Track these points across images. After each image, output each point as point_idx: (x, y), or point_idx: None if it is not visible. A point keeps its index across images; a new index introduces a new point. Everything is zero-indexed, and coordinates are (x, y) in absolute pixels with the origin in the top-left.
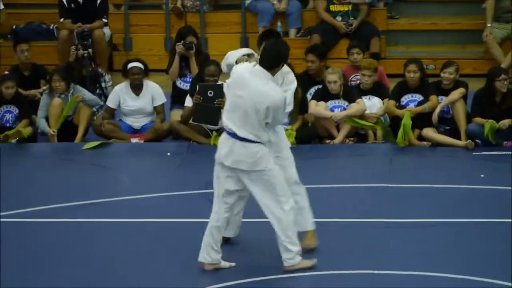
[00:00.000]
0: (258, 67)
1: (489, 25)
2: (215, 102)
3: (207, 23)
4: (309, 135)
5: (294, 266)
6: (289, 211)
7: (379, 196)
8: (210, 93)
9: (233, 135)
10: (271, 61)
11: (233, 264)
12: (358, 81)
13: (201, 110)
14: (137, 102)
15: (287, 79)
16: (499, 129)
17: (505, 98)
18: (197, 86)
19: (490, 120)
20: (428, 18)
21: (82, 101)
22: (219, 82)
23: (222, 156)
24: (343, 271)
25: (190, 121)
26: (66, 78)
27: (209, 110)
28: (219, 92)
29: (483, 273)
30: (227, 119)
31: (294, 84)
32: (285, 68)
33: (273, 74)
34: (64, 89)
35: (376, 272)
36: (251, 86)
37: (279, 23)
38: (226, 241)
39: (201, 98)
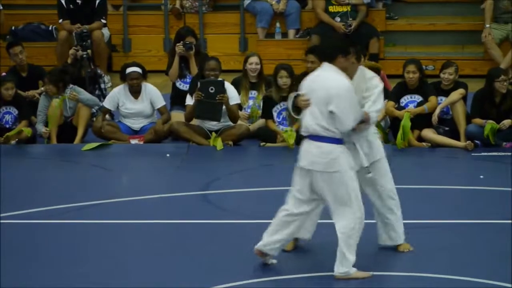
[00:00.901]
0: (323, 63)
1: (488, 25)
2: (216, 98)
3: (206, 23)
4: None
5: (347, 276)
6: (356, 220)
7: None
8: (212, 89)
9: (308, 136)
10: (327, 53)
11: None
12: None
13: (203, 107)
14: (136, 105)
15: (371, 84)
16: (499, 129)
17: (504, 99)
18: (198, 83)
19: (491, 121)
20: (427, 18)
21: (78, 100)
22: (220, 79)
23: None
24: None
25: (194, 119)
26: (56, 80)
27: (211, 106)
28: (220, 88)
29: (482, 274)
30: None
31: (378, 88)
32: (369, 73)
33: (343, 69)
34: (55, 92)
35: (376, 273)
36: (320, 77)
37: (277, 24)
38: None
39: (203, 95)
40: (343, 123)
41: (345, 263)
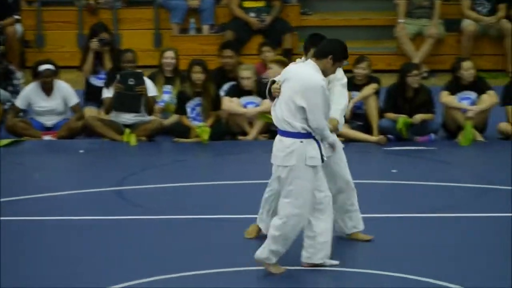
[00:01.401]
0: (308, 59)
1: (401, 20)
2: (136, 90)
3: (120, 19)
4: (222, 132)
5: (266, 263)
6: (292, 216)
7: None
8: (131, 81)
9: (277, 129)
10: (319, 52)
11: None
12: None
13: (122, 98)
14: (48, 103)
15: (335, 76)
16: (412, 124)
17: (417, 94)
18: (118, 75)
19: (403, 116)
20: (341, 14)
21: None
22: (139, 70)
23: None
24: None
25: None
26: None
27: (130, 97)
28: (140, 80)
29: (405, 267)
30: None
31: (341, 81)
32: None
33: (325, 69)
34: None
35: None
36: (293, 71)
37: (192, 20)
38: None
39: (122, 86)
40: (314, 120)
41: (264, 252)
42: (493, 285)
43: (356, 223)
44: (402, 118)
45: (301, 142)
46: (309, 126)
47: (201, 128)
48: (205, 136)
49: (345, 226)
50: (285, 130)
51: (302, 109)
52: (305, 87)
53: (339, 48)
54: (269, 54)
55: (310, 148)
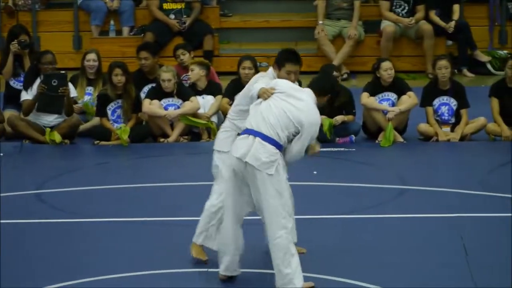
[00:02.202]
0: (307, 89)
1: (320, 22)
2: (59, 91)
3: (39, 21)
4: (143, 134)
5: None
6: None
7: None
8: (54, 82)
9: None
10: (318, 88)
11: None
12: (188, 81)
13: (45, 99)
14: None
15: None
16: (333, 125)
17: (337, 95)
18: (41, 76)
19: (326, 117)
20: (261, 15)
21: None
22: (62, 72)
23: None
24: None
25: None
26: None
27: (53, 99)
28: (62, 81)
29: (329, 269)
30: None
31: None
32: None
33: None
34: None
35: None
36: (295, 91)
37: (112, 22)
38: None
39: (46, 87)
40: (300, 148)
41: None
42: (412, 285)
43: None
44: (328, 120)
45: (280, 154)
46: (288, 144)
47: (121, 129)
48: (125, 136)
49: None
50: (270, 137)
51: (295, 131)
52: (310, 123)
53: (329, 85)
54: (184, 57)
55: (281, 161)
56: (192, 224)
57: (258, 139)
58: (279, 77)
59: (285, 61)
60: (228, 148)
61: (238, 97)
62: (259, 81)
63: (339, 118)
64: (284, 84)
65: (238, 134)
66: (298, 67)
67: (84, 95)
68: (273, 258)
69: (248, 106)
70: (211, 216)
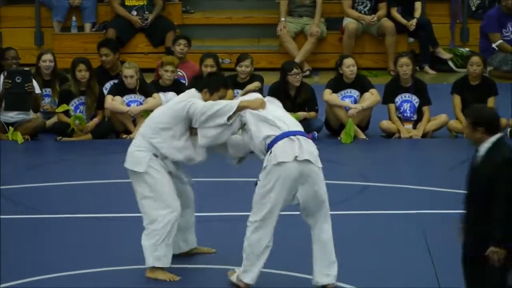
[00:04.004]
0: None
1: (283, 19)
2: (25, 88)
3: (0, 17)
4: (105, 130)
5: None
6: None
7: None
8: (18, 79)
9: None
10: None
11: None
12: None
13: (12, 98)
14: None
15: None
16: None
17: (299, 92)
18: (5, 72)
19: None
20: (223, 12)
21: None
22: (26, 68)
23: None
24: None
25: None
26: None
27: (19, 96)
28: (27, 77)
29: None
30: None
31: None
32: None
33: None
34: None
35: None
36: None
37: (74, 18)
38: None
39: (10, 84)
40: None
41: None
42: (375, 281)
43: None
44: (294, 115)
45: None
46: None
47: (76, 115)
48: (83, 123)
49: (187, 241)
50: (304, 132)
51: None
52: None
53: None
54: (186, 48)
55: None
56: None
57: (300, 137)
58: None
59: (220, 86)
60: (144, 169)
61: (162, 115)
62: (197, 102)
63: (301, 115)
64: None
65: (154, 155)
66: (231, 91)
67: (42, 97)
68: (329, 251)
69: (172, 125)
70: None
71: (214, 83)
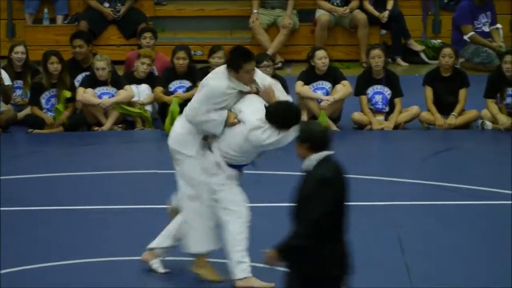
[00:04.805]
0: None
1: (255, 11)
2: None
3: None
4: (77, 122)
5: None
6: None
7: (148, 183)
8: None
9: None
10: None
11: None
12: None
13: None
14: None
15: None
16: None
17: None
18: None
19: None
20: (196, 4)
21: None
22: None
23: None
24: (112, 257)
25: None
26: None
27: None
28: None
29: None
30: None
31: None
32: None
33: None
34: None
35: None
36: None
37: (46, 10)
38: None
39: None
40: None
41: None
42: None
43: None
44: None
45: None
46: None
47: (55, 106)
48: (62, 115)
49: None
50: None
51: None
52: None
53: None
54: (151, 41)
55: None
56: (126, 212)
57: None
58: (238, 78)
59: (242, 61)
60: None
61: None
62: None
63: None
64: None
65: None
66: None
67: (13, 89)
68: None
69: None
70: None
71: (235, 61)
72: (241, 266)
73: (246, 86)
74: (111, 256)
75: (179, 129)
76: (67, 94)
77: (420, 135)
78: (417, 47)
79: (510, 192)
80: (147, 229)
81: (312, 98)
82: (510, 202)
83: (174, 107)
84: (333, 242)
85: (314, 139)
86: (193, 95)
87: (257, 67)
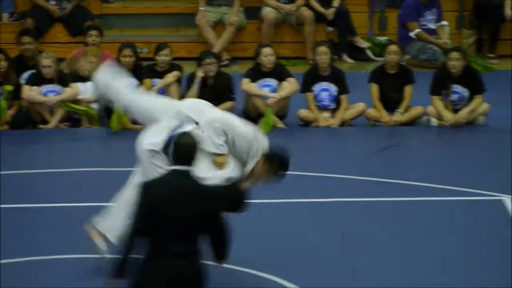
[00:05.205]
0: None
1: (202, 8)
2: None
3: None
4: (23, 120)
5: None
6: None
7: (93, 180)
8: None
9: None
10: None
11: None
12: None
13: None
14: None
15: None
16: None
17: (216, 81)
18: None
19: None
20: (142, 2)
21: None
22: None
23: None
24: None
25: None
26: None
27: None
28: None
29: None
30: None
31: None
32: None
33: None
34: None
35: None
36: None
37: None
38: None
39: None
40: None
41: None
42: (291, 269)
43: None
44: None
45: None
46: None
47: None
48: (6, 114)
49: None
50: None
51: None
52: None
53: None
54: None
55: None
56: (71, 210)
57: None
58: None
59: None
60: None
61: None
62: None
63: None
64: None
65: None
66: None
67: None
68: None
69: None
70: None
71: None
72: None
73: None
74: (55, 254)
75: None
76: (8, 87)
77: (366, 132)
78: (363, 44)
79: (454, 188)
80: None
81: (259, 95)
82: (453, 198)
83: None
84: (153, 258)
85: (174, 151)
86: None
87: (200, 64)
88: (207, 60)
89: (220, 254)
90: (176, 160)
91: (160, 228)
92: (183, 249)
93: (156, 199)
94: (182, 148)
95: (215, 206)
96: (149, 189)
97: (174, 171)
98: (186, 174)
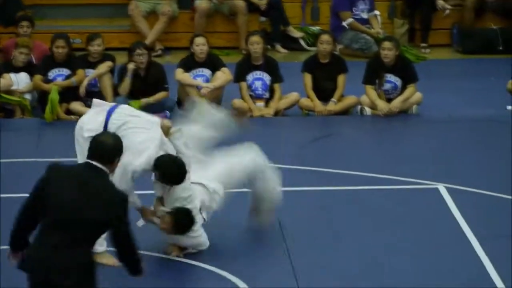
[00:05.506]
0: None
1: None
2: None
3: None
4: None
5: None
6: None
7: (27, 171)
8: None
9: None
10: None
11: None
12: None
13: None
14: None
15: None
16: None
17: (148, 72)
18: None
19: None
20: None
21: None
22: None
23: None
24: None
25: None
26: None
27: None
28: None
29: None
30: None
31: None
32: None
33: None
34: None
35: None
36: None
37: None
38: None
39: None
40: None
41: None
42: (230, 262)
43: None
44: (135, 103)
45: None
46: None
47: None
48: None
49: None
50: None
51: None
52: None
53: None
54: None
55: None
56: (10, 201)
57: None
58: None
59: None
60: None
61: None
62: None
63: (144, 101)
64: None
65: None
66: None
67: None
68: None
69: None
70: None
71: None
72: None
73: None
74: None
75: None
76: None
77: (300, 121)
78: (297, 34)
79: (388, 177)
80: None
81: (192, 85)
82: (388, 187)
83: (53, 95)
84: (37, 242)
85: (90, 145)
86: (71, 83)
87: (130, 55)
88: (138, 51)
89: (133, 268)
90: (90, 154)
91: (49, 212)
92: (66, 240)
93: (54, 183)
94: (99, 144)
95: (110, 212)
96: (52, 172)
97: (86, 163)
98: (97, 170)
